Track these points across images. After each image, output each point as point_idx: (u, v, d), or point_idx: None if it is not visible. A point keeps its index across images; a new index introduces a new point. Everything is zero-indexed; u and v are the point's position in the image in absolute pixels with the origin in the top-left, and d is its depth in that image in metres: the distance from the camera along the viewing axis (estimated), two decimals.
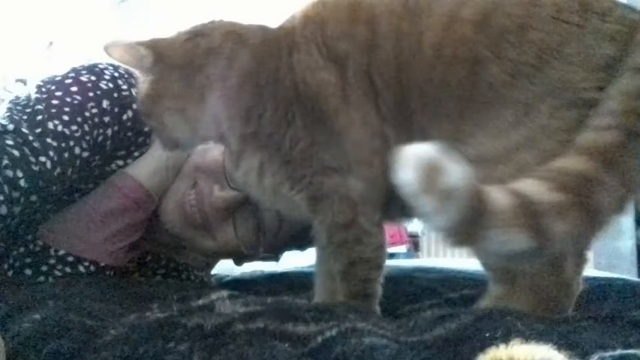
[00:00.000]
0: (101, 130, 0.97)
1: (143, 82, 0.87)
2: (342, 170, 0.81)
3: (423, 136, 0.76)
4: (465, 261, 1.30)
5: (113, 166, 1.03)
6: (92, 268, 1.01)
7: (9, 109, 0.95)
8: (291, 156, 0.82)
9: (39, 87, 0.97)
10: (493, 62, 0.73)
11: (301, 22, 0.84)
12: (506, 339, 0.51)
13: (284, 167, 0.83)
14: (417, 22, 0.77)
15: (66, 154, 0.93)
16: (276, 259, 1.21)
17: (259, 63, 0.83)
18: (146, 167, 1.04)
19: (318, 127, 0.81)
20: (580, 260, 0.79)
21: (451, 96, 0.75)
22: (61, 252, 1.00)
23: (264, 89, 0.82)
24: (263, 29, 0.87)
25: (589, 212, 0.61)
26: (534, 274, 0.75)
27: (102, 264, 1.02)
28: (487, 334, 0.60)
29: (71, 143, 0.93)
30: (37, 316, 0.67)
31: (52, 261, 1.00)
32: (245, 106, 0.83)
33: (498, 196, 0.59)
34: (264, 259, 1.19)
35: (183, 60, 0.84)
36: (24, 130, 0.90)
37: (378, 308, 0.83)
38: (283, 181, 0.83)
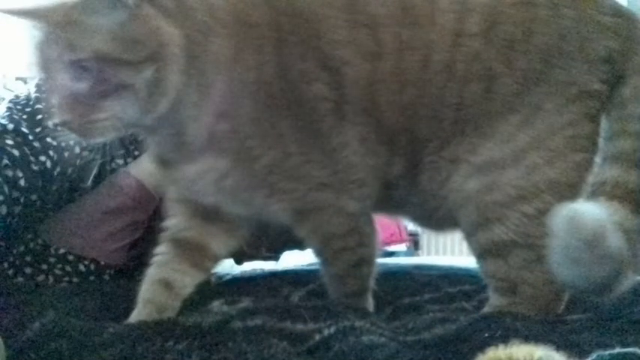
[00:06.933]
0: None
1: None
2: (335, 187, 0.77)
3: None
4: (464, 259, 1.29)
5: (113, 164, 1.03)
6: (92, 266, 1.01)
7: (9, 109, 0.95)
8: (279, 167, 0.75)
9: (39, 86, 0.97)
10: (506, 75, 0.72)
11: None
12: (505, 339, 0.51)
13: (261, 174, 0.75)
14: (420, 32, 0.74)
15: (66, 154, 0.93)
16: (277, 258, 1.21)
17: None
18: (147, 166, 1.04)
19: (313, 142, 0.76)
20: None
21: (465, 113, 0.74)
22: (62, 250, 1.00)
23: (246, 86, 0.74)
24: None
25: None
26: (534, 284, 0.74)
27: (102, 263, 1.02)
28: (486, 334, 0.60)
29: (71, 142, 0.93)
30: (39, 321, 0.67)
31: (52, 259, 1.00)
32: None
33: None
34: (264, 258, 1.18)
35: None
36: (24, 129, 0.90)
37: (371, 301, 0.82)
38: (255, 187, 0.77)
